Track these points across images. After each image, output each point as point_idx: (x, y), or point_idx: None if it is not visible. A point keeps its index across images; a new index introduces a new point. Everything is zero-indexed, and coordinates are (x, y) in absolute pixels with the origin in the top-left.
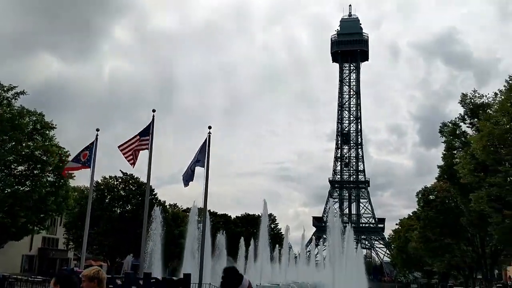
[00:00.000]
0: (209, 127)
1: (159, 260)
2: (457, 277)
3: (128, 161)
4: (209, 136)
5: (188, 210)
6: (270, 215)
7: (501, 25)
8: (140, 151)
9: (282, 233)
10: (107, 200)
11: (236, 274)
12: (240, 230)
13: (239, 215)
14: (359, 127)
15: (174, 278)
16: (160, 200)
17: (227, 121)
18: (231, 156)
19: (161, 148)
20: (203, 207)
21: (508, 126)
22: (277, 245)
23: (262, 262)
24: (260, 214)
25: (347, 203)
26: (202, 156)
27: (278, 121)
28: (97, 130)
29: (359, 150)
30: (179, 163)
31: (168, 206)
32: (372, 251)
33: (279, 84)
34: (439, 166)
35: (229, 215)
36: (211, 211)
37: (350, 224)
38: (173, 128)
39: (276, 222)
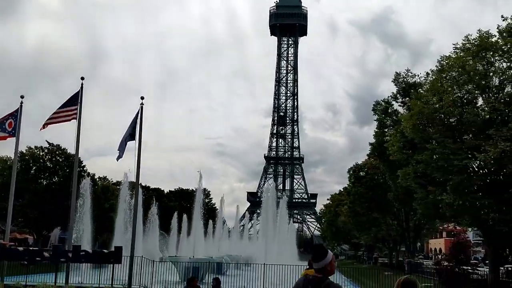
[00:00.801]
0: (142, 98)
1: (89, 233)
2: (382, 249)
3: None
4: (142, 107)
5: (118, 183)
6: (205, 189)
7: (435, 7)
8: (68, 122)
9: (217, 208)
10: (32, 171)
11: (323, 249)
12: (174, 204)
13: (173, 190)
14: (295, 103)
15: (104, 251)
16: (89, 173)
17: (161, 93)
18: (166, 129)
19: (90, 119)
20: (135, 180)
21: (437, 105)
22: (211, 220)
23: (195, 236)
24: (194, 189)
25: (282, 179)
26: (134, 129)
27: (214, 95)
28: (22, 97)
29: (295, 126)
30: (109, 135)
31: (97, 179)
32: (304, 225)
33: (216, 56)
34: (370, 144)
35: (162, 189)
36: (144, 185)
37: (283, 199)
38: (103, 99)
39: (210, 197)
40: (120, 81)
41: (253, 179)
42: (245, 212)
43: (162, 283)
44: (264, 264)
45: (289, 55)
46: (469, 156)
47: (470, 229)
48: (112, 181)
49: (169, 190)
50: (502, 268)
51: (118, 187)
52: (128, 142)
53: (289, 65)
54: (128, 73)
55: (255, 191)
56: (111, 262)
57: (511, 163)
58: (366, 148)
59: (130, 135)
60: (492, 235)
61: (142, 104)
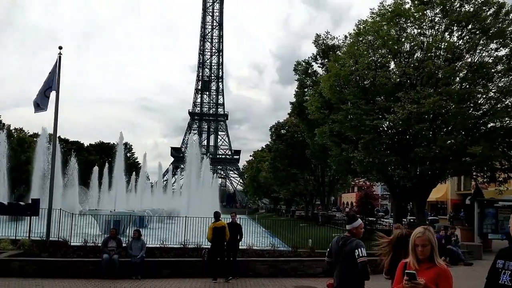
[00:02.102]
0: (60, 48)
1: (5, 186)
2: (300, 203)
3: None
4: (60, 57)
5: (36, 135)
6: (126, 144)
7: None
8: None
9: (140, 162)
10: None
11: (354, 217)
12: (94, 158)
13: (93, 143)
14: (220, 60)
15: (21, 203)
16: (4, 124)
17: (83, 44)
18: (88, 82)
19: (6, 69)
20: (53, 133)
21: (353, 68)
22: (133, 174)
23: (117, 190)
24: (116, 143)
25: (206, 135)
26: (53, 79)
27: (139, 49)
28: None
29: (220, 83)
30: (26, 85)
31: (13, 130)
32: (227, 180)
33: (142, 9)
34: (291, 103)
35: (82, 142)
36: (63, 137)
37: (207, 155)
38: (18, 47)
39: (133, 151)
40: (38, 30)
41: (177, 135)
42: (168, 167)
43: (81, 236)
44: (186, 217)
45: (215, 11)
46: (380, 116)
47: (378, 183)
48: (28, 133)
49: (90, 144)
50: (404, 219)
51: (35, 139)
52: (50, 94)
53: (214, 21)
54: (47, 22)
55: (179, 146)
56: (28, 214)
57: (417, 124)
58: (288, 107)
59: (50, 86)
60: (397, 190)
61: (60, 54)
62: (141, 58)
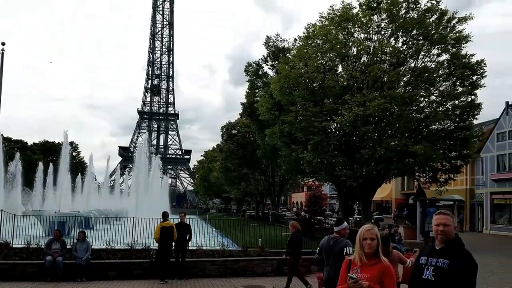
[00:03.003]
0: (3, 44)
1: None
2: (250, 203)
3: None
4: (3, 53)
5: None
6: (72, 143)
7: None
8: None
9: (86, 162)
10: None
11: (342, 220)
12: (38, 157)
13: (37, 142)
14: (171, 59)
15: None
16: None
17: (24, 39)
18: (34, 78)
19: None
20: None
21: (302, 70)
22: (79, 174)
23: (62, 190)
24: (61, 142)
25: (156, 134)
26: None
27: (89, 44)
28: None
29: (170, 82)
30: None
31: None
32: (178, 180)
33: (88, 5)
34: (242, 104)
35: (25, 141)
36: (5, 136)
37: (157, 154)
38: None
39: (78, 150)
40: None
41: (126, 134)
42: (116, 167)
43: (24, 238)
44: (134, 217)
45: (165, 10)
46: (328, 118)
47: (326, 183)
48: None
49: (34, 143)
50: (351, 218)
51: None
52: None
53: (165, 20)
54: None
55: (128, 146)
56: None
57: (363, 126)
58: (239, 107)
59: None
60: (344, 189)
61: (3, 50)
62: (89, 53)
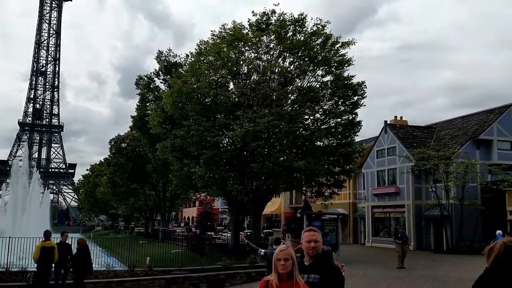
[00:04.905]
0: None
1: None
2: (139, 219)
3: None
4: None
5: None
6: None
7: None
8: None
9: None
10: None
11: (279, 240)
12: None
13: None
14: (57, 69)
15: None
16: None
17: None
18: None
19: None
20: None
21: (195, 86)
22: None
23: None
24: None
25: (38, 147)
26: None
27: None
28: None
29: (55, 93)
30: None
31: None
32: (60, 196)
33: None
34: (132, 117)
35: None
36: None
37: (38, 168)
38: None
39: None
40: None
41: (5, 146)
42: None
43: None
44: (10, 237)
45: (52, 19)
46: (220, 133)
47: (218, 198)
48: None
49: None
50: (242, 232)
51: None
52: None
53: (51, 29)
54: None
55: (6, 159)
56: None
57: (253, 142)
58: (129, 121)
59: None
60: (235, 204)
61: None
62: None
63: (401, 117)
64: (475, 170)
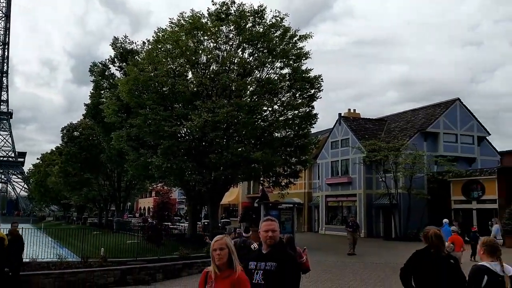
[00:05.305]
0: None
1: None
2: (93, 210)
3: None
4: None
5: None
6: None
7: None
8: None
9: None
10: None
11: (248, 229)
12: None
13: None
14: (5, 53)
15: None
16: None
17: None
18: None
19: None
20: None
21: (152, 74)
22: None
23: None
24: None
25: None
26: None
27: None
28: None
29: (4, 78)
30: None
31: None
32: (9, 185)
33: None
34: (86, 104)
35: None
36: None
37: None
38: None
39: None
40: None
41: None
42: None
43: None
44: None
45: (1, 2)
46: (178, 123)
47: (175, 188)
48: None
49: None
50: (199, 222)
51: None
52: None
53: (0, 12)
54: None
55: None
56: None
57: (212, 132)
58: (83, 108)
59: None
60: (193, 194)
61: None
62: None
63: (354, 110)
64: (422, 161)
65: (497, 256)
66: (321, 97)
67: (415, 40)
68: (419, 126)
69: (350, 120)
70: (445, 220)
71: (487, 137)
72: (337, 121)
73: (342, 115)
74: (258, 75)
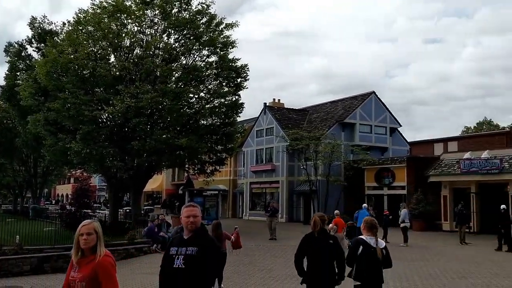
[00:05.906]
0: None
1: None
2: (7, 196)
3: None
4: None
5: None
6: None
7: None
8: None
9: None
10: None
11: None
12: None
13: None
14: None
15: None
16: None
17: None
18: None
19: None
20: None
21: (72, 56)
22: None
23: None
24: None
25: None
26: None
27: None
28: None
29: None
30: None
31: None
32: None
33: None
34: (0, 86)
35: None
36: None
37: None
38: None
39: None
40: None
41: None
42: None
43: None
44: None
45: None
46: (99, 108)
47: (95, 175)
48: None
49: None
50: (120, 210)
51: None
52: None
53: None
54: None
55: None
56: None
57: (135, 118)
58: None
59: None
60: (114, 181)
61: None
62: None
63: (279, 100)
64: (339, 150)
65: (373, 232)
66: (247, 87)
67: (335, 34)
68: (337, 117)
69: (275, 110)
70: (364, 205)
71: (398, 128)
72: (262, 110)
73: (267, 104)
74: (184, 62)
